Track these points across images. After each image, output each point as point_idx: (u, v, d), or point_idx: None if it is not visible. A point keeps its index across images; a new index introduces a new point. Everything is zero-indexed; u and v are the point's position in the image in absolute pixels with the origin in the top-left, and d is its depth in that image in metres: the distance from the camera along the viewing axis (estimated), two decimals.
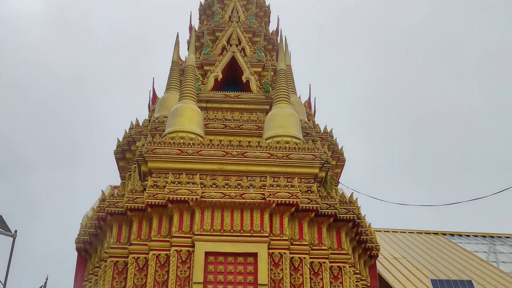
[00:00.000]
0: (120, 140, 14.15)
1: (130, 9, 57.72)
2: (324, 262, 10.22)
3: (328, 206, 10.59)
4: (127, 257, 10.09)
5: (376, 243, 12.02)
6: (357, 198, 11.27)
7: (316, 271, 10.14)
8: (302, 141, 11.52)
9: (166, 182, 10.37)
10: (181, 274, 9.66)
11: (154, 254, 9.88)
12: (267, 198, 10.20)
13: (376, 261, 12.26)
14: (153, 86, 16.02)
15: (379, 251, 12.14)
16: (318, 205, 10.37)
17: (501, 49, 50.23)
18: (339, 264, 10.41)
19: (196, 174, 10.54)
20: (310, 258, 10.18)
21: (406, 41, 54.04)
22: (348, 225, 10.82)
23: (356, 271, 11.07)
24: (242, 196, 10.24)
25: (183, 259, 9.80)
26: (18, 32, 52.67)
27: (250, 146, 11.01)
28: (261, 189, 10.34)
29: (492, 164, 47.51)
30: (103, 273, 10.29)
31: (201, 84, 13.81)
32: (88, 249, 11.62)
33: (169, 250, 9.88)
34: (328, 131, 14.45)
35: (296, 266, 10.02)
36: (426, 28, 55.53)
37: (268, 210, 10.24)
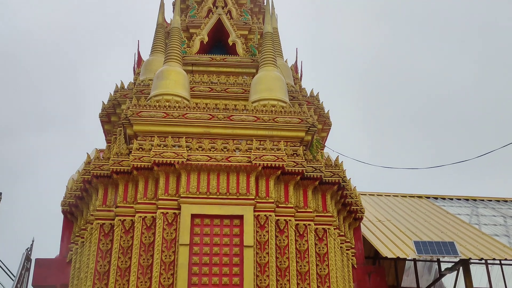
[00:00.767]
0: (105, 103, 14.04)
1: None
2: (309, 224, 10.34)
3: (314, 169, 10.66)
4: (113, 219, 10.13)
5: (360, 206, 12.16)
6: (342, 161, 11.34)
7: (301, 233, 10.27)
8: (288, 104, 11.50)
9: (152, 145, 10.35)
10: (167, 236, 9.72)
11: (140, 217, 9.92)
12: (253, 161, 10.23)
13: (361, 223, 12.43)
14: (138, 49, 15.87)
15: (363, 213, 12.30)
16: (304, 168, 10.43)
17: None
18: (324, 226, 10.54)
19: (182, 137, 10.53)
20: (296, 220, 10.30)
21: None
22: (333, 188, 10.91)
23: (341, 233, 11.22)
24: (228, 159, 10.27)
25: (169, 221, 9.86)
26: None
27: (236, 109, 10.97)
28: (247, 152, 10.36)
29: (480, 127, 48.07)
30: (89, 235, 10.34)
31: (187, 47, 13.64)
32: (74, 212, 11.63)
33: (155, 212, 9.92)
34: (315, 95, 14.45)
35: (282, 228, 10.13)
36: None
37: (254, 173, 10.28)
